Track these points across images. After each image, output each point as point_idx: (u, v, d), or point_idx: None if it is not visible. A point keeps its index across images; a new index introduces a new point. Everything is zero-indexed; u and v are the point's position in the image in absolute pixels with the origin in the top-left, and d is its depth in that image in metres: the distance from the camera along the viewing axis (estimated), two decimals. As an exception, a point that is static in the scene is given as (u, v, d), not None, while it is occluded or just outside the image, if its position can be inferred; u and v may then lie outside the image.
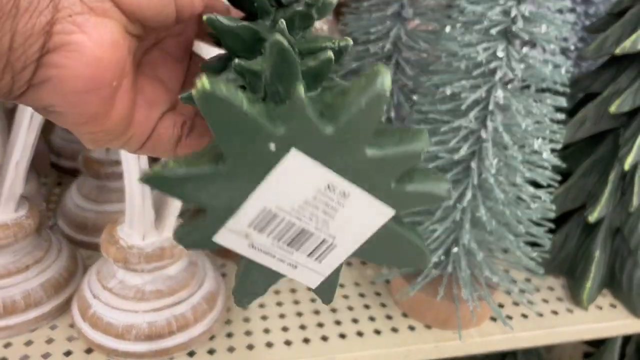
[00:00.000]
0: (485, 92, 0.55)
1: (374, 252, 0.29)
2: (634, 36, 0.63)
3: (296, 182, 0.25)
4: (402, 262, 0.31)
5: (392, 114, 0.67)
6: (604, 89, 0.70)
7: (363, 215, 0.27)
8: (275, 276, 0.30)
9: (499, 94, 0.54)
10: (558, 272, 0.77)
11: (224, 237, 0.27)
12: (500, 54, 0.53)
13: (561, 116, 0.57)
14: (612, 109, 0.65)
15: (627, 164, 0.65)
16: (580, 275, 0.73)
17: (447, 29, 0.57)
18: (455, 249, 0.62)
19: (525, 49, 0.54)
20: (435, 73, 0.58)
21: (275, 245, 0.28)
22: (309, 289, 0.32)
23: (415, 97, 0.62)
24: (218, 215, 0.26)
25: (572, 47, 0.76)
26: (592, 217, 0.69)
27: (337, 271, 0.30)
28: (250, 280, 0.30)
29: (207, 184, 0.25)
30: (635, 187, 0.69)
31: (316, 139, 0.24)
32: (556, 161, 0.58)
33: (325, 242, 0.28)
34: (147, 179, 0.24)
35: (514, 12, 0.52)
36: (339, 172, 0.25)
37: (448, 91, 0.56)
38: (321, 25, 0.79)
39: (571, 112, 0.79)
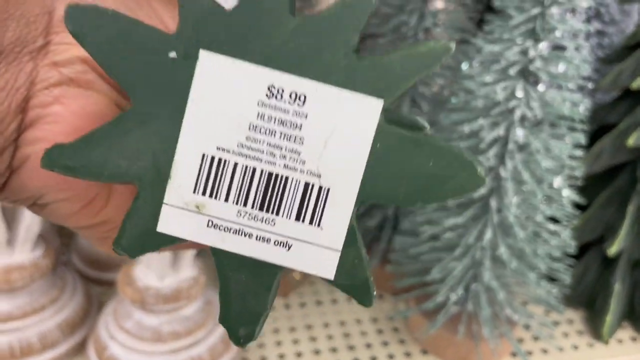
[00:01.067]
0: (504, 130, 0.55)
1: (394, 182, 0.20)
2: (650, 70, 0.63)
3: (226, 100, 0.18)
4: (444, 183, 0.20)
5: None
6: (620, 121, 0.70)
7: (341, 122, 0.19)
8: (266, 273, 0.21)
9: (519, 132, 0.54)
10: (577, 304, 0.76)
11: (170, 222, 0.20)
12: (519, 93, 0.53)
13: (579, 153, 0.56)
14: (630, 142, 0.65)
15: (647, 198, 0.65)
16: (599, 308, 0.72)
17: (464, 66, 0.57)
18: (474, 286, 0.61)
19: (542, 87, 0.54)
20: (454, 111, 0.58)
21: (245, 215, 0.20)
22: (332, 283, 0.22)
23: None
24: (149, 188, 0.20)
25: (588, 80, 0.76)
26: (612, 251, 0.68)
27: (353, 238, 0.21)
28: (235, 294, 0.21)
29: (118, 143, 0.19)
30: (654, 219, 0.68)
31: (221, 23, 0.18)
32: (576, 197, 0.58)
33: (310, 187, 0.20)
34: (45, 163, 0.20)
35: (531, 53, 0.52)
36: (275, 63, 0.18)
37: (467, 129, 0.56)
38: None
39: (587, 144, 0.79)
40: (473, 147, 0.56)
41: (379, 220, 0.71)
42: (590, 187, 0.76)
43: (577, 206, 0.76)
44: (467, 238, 0.58)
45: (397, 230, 0.69)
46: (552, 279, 0.63)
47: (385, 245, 0.71)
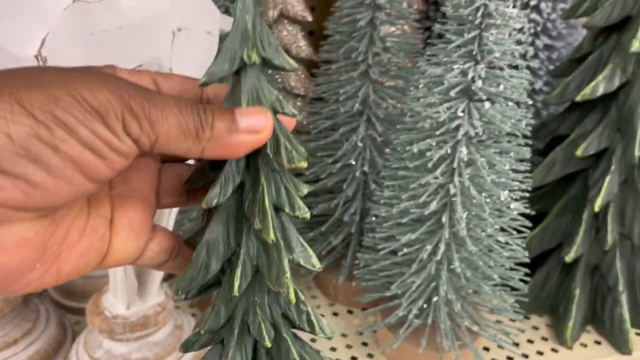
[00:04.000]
0: (451, 148, 0.57)
1: None
2: (593, 83, 0.65)
3: None
4: None
5: (366, 168, 0.69)
6: (570, 131, 0.73)
7: None
8: None
9: (463, 150, 0.56)
10: (542, 311, 0.78)
11: None
12: (460, 113, 0.55)
13: (524, 167, 0.59)
14: (578, 152, 0.68)
15: (597, 206, 0.67)
16: (562, 314, 0.74)
17: (412, 89, 0.59)
18: (434, 299, 0.63)
19: (486, 105, 0.56)
20: (403, 132, 0.60)
21: None
22: None
23: (387, 151, 0.64)
24: None
25: (538, 89, 0.79)
26: (569, 257, 0.71)
27: None
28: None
29: None
30: (608, 225, 0.70)
31: None
32: (523, 209, 0.60)
33: None
34: None
35: (471, 74, 0.55)
36: None
37: (415, 149, 0.58)
38: (295, 82, 0.82)
39: (543, 153, 0.81)
40: (422, 166, 0.58)
41: (344, 237, 0.73)
42: (547, 195, 0.78)
43: (537, 215, 0.78)
44: (422, 253, 0.60)
45: (361, 247, 0.71)
46: (514, 289, 0.65)
47: (351, 261, 0.73)
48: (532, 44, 0.76)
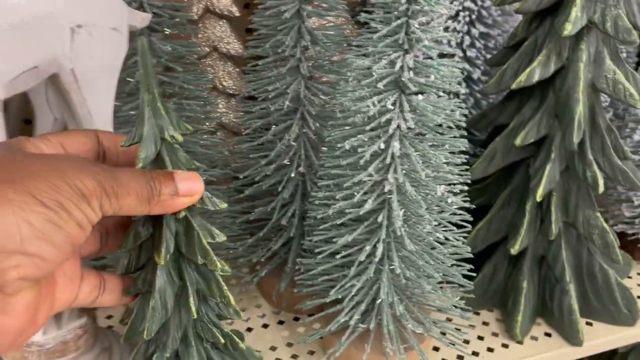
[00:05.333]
0: (384, 143, 0.54)
1: None
2: (528, 69, 0.64)
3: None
4: None
5: (302, 168, 0.65)
6: (510, 120, 0.71)
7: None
8: None
9: (396, 145, 0.53)
10: (491, 305, 0.77)
11: None
12: (390, 106, 0.52)
13: (461, 159, 0.56)
14: (517, 141, 0.66)
15: (539, 196, 0.66)
16: (511, 308, 0.72)
17: (341, 84, 0.56)
18: (378, 301, 0.60)
19: (419, 97, 0.54)
20: (334, 128, 0.57)
21: None
22: None
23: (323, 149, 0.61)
24: None
25: (477, 78, 0.77)
26: (514, 250, 0.69)
27: None
28: None
29: None
30: (552, 215, 0.69)
31: None
32: (463, 204, 0.58)
33: None
34: None
35: (399, 64, 0.52)
36: None
37: (347, 146, 0.55)
38: (227, 80, 0.78)
39: (485, 145, 0.80)
40: (355, 163, 0.55)
41: (285, 242, 0.70)
42: (491, 187, 0.76)
43: (483, 208, 0.77)
44: (361, 255, 0.57)
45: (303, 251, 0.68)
46: (461, 285, 0.63)
47: (292, 266, 0.69)
48: (468, 32, 0.74)
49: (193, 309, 0.43)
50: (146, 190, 0.36)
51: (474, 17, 0.73)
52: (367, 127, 0.54)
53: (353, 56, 0.55)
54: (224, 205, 0.43)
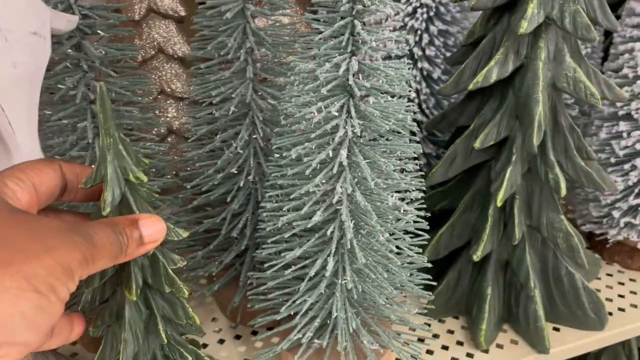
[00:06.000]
0: (331, 152, 0.51)
1: None
2: (485, 69, 0.61)
3: None
4: None
5: (252, 177, 0.62)
6: (471, 121, 0.68)
7: None
8: None
9: (343, 153, 0.50)
10: (457, 312, 0.74)
11: None
12: (335, 112, 0.49)
13: (413, 165, 0.53)
14: (477, 144, 0.63)
15: (499, 200, 0.63)
16: (476, 315, 0.70)
17: (287, 88, 0.52)
18: (332, 318, 0.57)
19: (369, 101, 0.50)
20: (280, 135, 0.54)
21: None
22: None
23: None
24: None
25: (437, 78, 0.74)
26: (477, 256, 0.66)
27: None
28: None
29: None
30: (515, 219, 0.66)
31: None
32: (417, 212, 0.55)
33: None
34: None
35: (343, 67, 0.48)
36: None
37: (293, 154, 0.52)
38: (175, 84, 0.74)
39: (447, 146, 0.77)
40: (302, 173, 0.52)
41: (237, 254, 0.66)
42: (453, 190, 0.74)
43: (445, 212, 0.74)
44: (311, 269, 0.53)
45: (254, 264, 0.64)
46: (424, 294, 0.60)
47: (244, 280, 0.66)
48: (427, 30, 0.71)
49: (163, 335, 0.47)
50: (117, 247, 0.38)
51: (432, 13, 0.70)
52: (313, 135, 0.50)
53: (297, 59, 0.51)
54: (186, 234, 0.47)
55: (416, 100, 0.74)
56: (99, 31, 0.57)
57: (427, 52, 0.71)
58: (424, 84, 0.73)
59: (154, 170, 0.64)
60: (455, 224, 0.71)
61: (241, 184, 0.61)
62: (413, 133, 0.53)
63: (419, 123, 0.75)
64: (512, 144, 0.64)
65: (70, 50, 0.55)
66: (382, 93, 0.51)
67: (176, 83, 0.72)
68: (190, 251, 0.66)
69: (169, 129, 0.74)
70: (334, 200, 0.51)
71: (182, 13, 0.70)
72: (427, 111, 0.75)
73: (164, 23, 0.70)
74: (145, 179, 0.46)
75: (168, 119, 0.73)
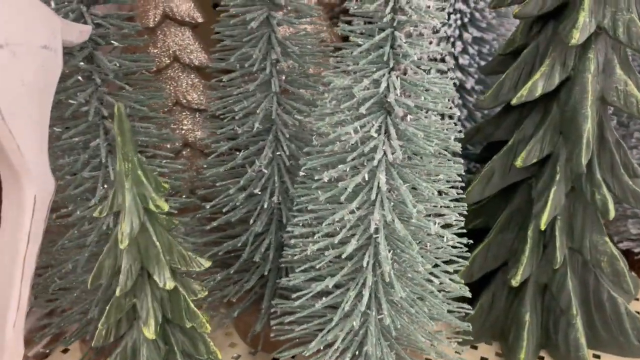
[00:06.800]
0: (368, 175, 0.46)
1: None
2: (529, 82, 0.56)
3: None
4: None
5: (276, 198, 0.58)
6: (508, 136, 0.64)
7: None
8: None
9: (382, 177, 0.45)
10: (490, 337, 0.70)
11: None
12: (374, 133, 0.45)
13: (456, 189, 0.49)
14: (518, 163, 0.59)
15: (543, 223, 0.58)
16: (513, 342, 0.65)
17: (318, 106, 0.48)
18: (365, 348, 0.53)
19: (403, 122, 0.46)
20: (310, 156, 0.49)
21: None
22: None
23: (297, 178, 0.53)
24: None
25: (470, 88, 0.69)
26: (515, 281, 0.62)
27: None
28: None
29: None
30: (556, 241, 0.62)
31: None
32: (459, 239, 0.51)
33: None
34: None
35: (384, 84, 0.44)
36: None
37: (326, 177, 0.47)
38: (191, 94, 0.69)
39: (479, 160, 0.72)
40: (335, 198, 0.48)
41: (258, 278, 0.62)
42: (488, 208, 0.69)
43: (479, 230, 0.69)
44: (344, 302, 0.49)
45: (278, 290, 0.60)
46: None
47: (267, 305, 0.62)
48: (460, 37, 0.67)
49: None
50: None
51: (466, 20, 0.66)
52: (349, 157, 0.46)
53: (331, 74, 0.47)
54: (208, 264, 0.45)
55: (447, 112, 0.70)
56: (112, 41, 0.53)
57: (461, 60, 0.67)
58: (456, 95, 0.69)
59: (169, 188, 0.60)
60: (490, 244, 0.66)
61: (265, 205, 0.57)
62: (456, 154, 0.49)
63: (450, 136, 0.71)
64: (555, 161, 0.60)
65: (82, 63, 0.51)
66: (424, 111, 0.46)
67: (192, 94, 0.67)
68: (207, 273, 0.62)
69: (185, 142, 0.70)
70: (371, 229, 0.47)
71: (200, 20, 0.65)
72: (458, 123, 0.70)
73: (179, 30, 0.65)
74: (166, 207, 0.43)
75: (183, 131, 0.69)
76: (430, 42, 0.67)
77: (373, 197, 0.46)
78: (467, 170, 0.75)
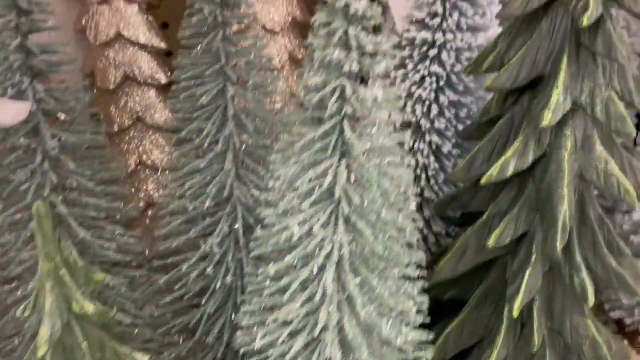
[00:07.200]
0: (316, 271, 0.43)
1: None
2: (501, 160, 0.53)
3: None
4: None
5: (230, 278, 0.54)
6: (485, 207, 0.60)
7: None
8: None
9: (329, 276, 0.42)
10: (466, 419, 0.66)
11: None
12: (318, 229, 0.41)
13: (415, 286, 0.45)
14: (491, 243, 0.55)
15: (516, 309, 0.54)
16: None
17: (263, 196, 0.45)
18: None
19: (357, 213, 0.43)
20: (257, 242, 0.46)
21: None
22: None
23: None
24: None
25: (447, 152, 0.65)
26: (490, 366, 0.58)
27: None
28: None
29: None
30: (534, 323, 0.58)
31: None
32: (418, 336, 0.47)
33: None
34: None
35: (330, 177, 0.41)
36: None
37: (272, 270, 0.44)
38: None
39: (459, 224, 0.69)
40: (280, 293, 0.44)
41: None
42: (464, 281, 0.65)
43: (453, 303, 0.66)
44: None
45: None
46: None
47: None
48: (437, 100, 0.63)
49: None
50: None
51: (442, 83, 0.62)
52: (294, 252, 0.43)
53: (278, 160, 0.44)
54: (146, 359, 0.43)
55: (424, 176, 0.66)
56: (59, 115, 0.50)
57: (437, 124, 0.63)
58: (432, 159, 0.65)
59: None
60: (465, 321, 0.62)
61: (218, 285, 0.53)
62: (412, 245, 0.45)
63: (427, 201, 0.67)
64: (531, 240, 0.56)
65: (23, 139, 0.48)
66: (377, 203, 0.43)
67: (156, 153, 0.65)
68: (159, 352, 0.59)
69: (149, 202, 0.67)
70: (316, 332, 0.43)
71: (163, 80, 0.63)
72: (435, 187, 0.67)
73: (142, 90, 0.63)
74: (91, 309, 0.40)
75: (148, 192, 0.67)
76: (405, 105, 0.64)
77: (320, 296, 0.42)
78: (446, 234, 0.71)
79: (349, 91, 0.39)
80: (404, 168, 0.43)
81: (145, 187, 0.66)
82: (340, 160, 0.41)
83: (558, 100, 0.48)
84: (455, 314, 0.64)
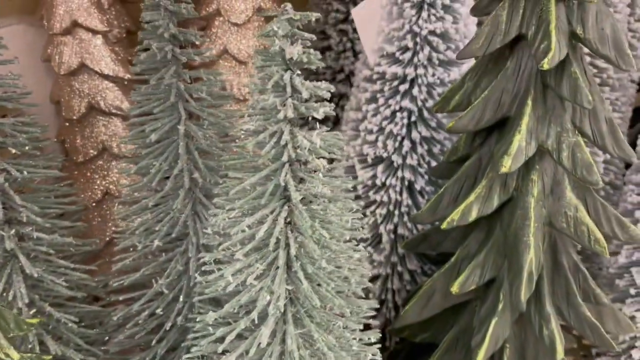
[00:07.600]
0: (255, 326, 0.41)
1: None
2: (463, 205, 0.50)
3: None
4: None
5: (182, 319, 0.52)
6: (456, 248, 0.57)
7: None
8: None
9: (265, 330, 0.40)
10: None
11: None
12: (256, 283, 0.39)
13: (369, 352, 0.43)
14: (454, 288, 0.52)
15: (480, 359, 0.52)
16: None
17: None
18: None
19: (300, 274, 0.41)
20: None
21: None
22: None
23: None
24: None
25: (420, 189, 0.63)
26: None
27: None
28: None
29: None
30: (504, 372, 0.55)
31: None
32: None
33: None
34: None
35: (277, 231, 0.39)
36: None
37: (210, 319, 0.42)
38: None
39: (436, 262, 0.66)
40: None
41: None
42: (435, 323, 0.62)
43: (425, 346, 0.63)
44: None
45: None
46: None
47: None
48: (408, 135, 0.61)
49: None
50: None
51: (414, 118, 0.60)
52: (230, 302, 0.41)
53: (219, 205, 0.42)
54: None
55: (396, 212, 0.64)
56: (11, 149, 0.49)
57: (409, 160, 0.61)
58: (405, 195, 0.63)
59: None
60: (436, 364, 0.60)
61: (167, 327, 0.52)
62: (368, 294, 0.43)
63: (402, 237, 0.65)
64: (499, 287, 0.53)
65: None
66: (316, 255, 0.41)
67: (123, 183, 0.64)
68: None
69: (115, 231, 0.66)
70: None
71: (127, 110, 0.62)
72: (409, 224, 0.64)
73: (107, 120, 0.62)
74: (17, 357, 0.38)
75: (115, 222, 0.65)
76: (376, 140, 0.62)
77: (254, 350, 0.40)
78: (422, 272, 0.68)
79: (286, 136, 0.38)
80: (348, 215, 0.41)
81: (112, 217, 0.65)
82: (279, 207, 0.40)
83: (519, 146, 0.46)
84: (427, 358, 0.61)
